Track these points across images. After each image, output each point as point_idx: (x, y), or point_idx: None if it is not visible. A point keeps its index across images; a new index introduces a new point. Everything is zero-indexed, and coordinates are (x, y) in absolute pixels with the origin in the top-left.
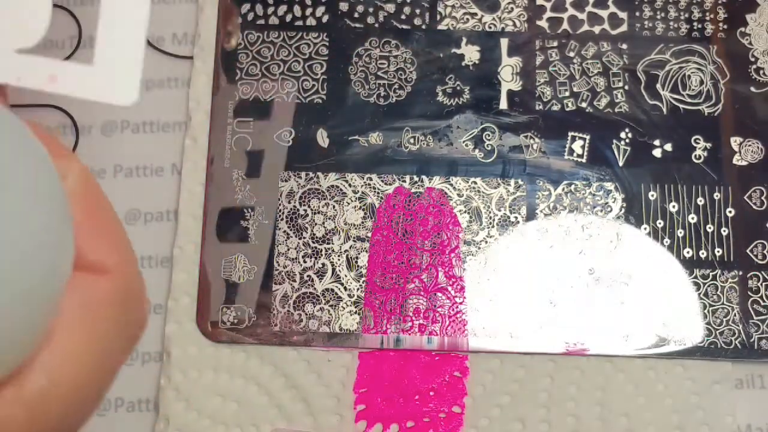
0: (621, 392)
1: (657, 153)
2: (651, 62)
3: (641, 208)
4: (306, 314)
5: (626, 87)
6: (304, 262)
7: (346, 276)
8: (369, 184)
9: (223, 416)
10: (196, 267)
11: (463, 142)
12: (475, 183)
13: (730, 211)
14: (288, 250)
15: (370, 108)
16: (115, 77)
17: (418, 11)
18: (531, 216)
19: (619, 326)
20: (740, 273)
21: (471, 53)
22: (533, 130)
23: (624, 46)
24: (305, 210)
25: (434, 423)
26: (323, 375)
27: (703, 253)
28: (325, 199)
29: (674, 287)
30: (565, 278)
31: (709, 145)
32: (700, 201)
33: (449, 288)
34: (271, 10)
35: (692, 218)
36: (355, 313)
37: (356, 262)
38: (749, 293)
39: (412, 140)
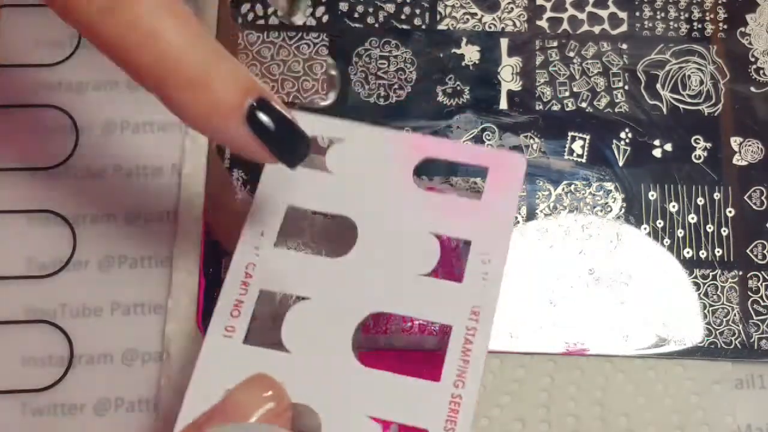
0: (621, 392)
1: (657, 153)
2: (651, 62)
3: (641, 208)
4: None
5: (626, 87)
6: None
7: None
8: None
9: None
10: (196, 267)
11: (463, 142)
12: (476, 183)
13: (730, 211)
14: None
15: (370, 108)
16: None
17: (418, 11)
18: (531, 216)
19: (619, 326)
20: (740, 273)
21: (471, 53)
22: (533, 130)
23: (624, 46)
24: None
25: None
26: None
27: (703, 253)
28: None
29: (674, 287)
30: (565, 278)
31: (709, 145)
32: (700, 201)
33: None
34: (271, 10)
35: (692, 218)
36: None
37: None
38: (749, 293)
39: None
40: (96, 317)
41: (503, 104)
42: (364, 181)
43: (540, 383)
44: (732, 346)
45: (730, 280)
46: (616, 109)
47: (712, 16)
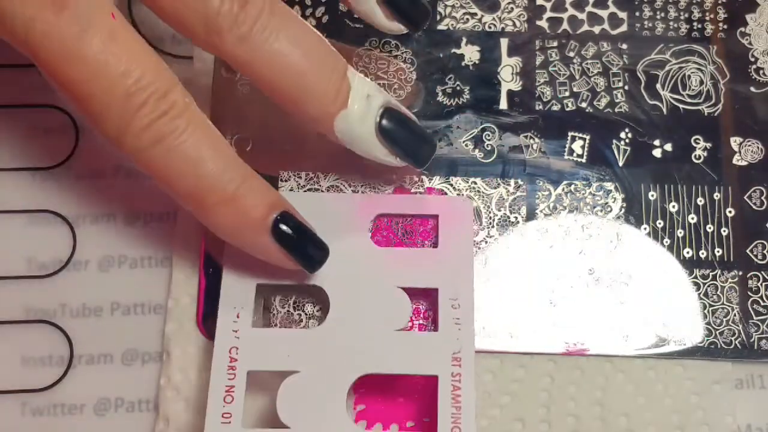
0: (621, 392)
1: (657, 153)
2: (651, 62)
3: (641, 208)
4: (306, 314)
5: (626, 87)
6: None
7: None
8: (369, 184)
9: None
10: (196, 267)
11: (463, 142)
12: (475, 183)
13: (730, 211)
14: None
15: None
16: None
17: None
18: (531, 216)
19: (619, 326)
20: (740, 273)
21: (471, 53)
22: (533, 130)
23: (624, 46)
24: None
25: (434, 423)
26: None
27: (703, 253)
28: None
29: (674, 287)
30: (565, 278)
31: (709, 145)
32: (700, 201)
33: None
34: None
35: (692, 218)
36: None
37: None
38: (749, 293)
39: None
40: (96, 317)
41: (503, 104)
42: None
43: (540, 383)
44: (732, 346)
45: (730, 280)
46: (616, 109)
47: (712, 16)
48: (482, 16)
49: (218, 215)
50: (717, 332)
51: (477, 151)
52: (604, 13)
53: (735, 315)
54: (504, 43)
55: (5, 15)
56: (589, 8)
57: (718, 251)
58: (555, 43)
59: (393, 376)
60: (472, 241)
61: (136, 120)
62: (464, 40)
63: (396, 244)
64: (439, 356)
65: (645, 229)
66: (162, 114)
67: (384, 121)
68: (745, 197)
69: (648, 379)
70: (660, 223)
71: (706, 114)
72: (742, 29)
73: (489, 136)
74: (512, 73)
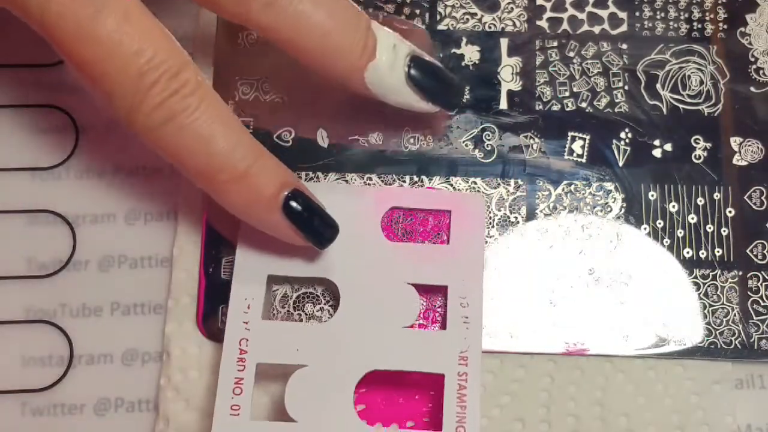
0: (621, 392)
1: (657, 153)
2: (651, 62)
3: (641, 208)
4: (306, 314)
5: (626, 87)
6: None
7: None
8: (369, 184)
9: None
10: (196, 267)
11: (463, 142)
12: (475, 183)
13: (730, 211)
14: None
15: (370, 108)
16: None
17: (418, 11)
18: (531, 216)
19: (619, 326)
20: (740, 273)
21: (471, 53)
22: (533, 130)
23: (624, 46)
24: None
25: (434, 423)
26: None
27: (703, 253)
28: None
29: (674, 287)
30: (565, 278)
31: (709, 145)
32: (700, 201)
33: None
34: None
35: (692, 218)
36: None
37: None
38: (749, 293)
39: (412, 140)
40: (96, 317)
41: (503, 104)
42: (337, 240)
43: (540, 383)
44: (732, 346)
45: (730, 280)
46: (616, 109)
47: (712, 16)
48: (482, 16)
49: (230, 193)
50: (717, 332)
51: (477, 151)
52: (604, 13)
53: (735, 315)
54: (504, 43)
55: None
56: (589, 8)
57: (718, 251)
58: (555, 43)
59: (393, 376)
60: (483, 238)
61: (148, 99)
62: (464, 40)
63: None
64: (447, 355)
65: (645, 229)
66: (174, 92)
67: (412, 70)
68: (745, 197)
69: (648, 379)
70: (660, 223)
71: (706, 114)
72: (742, 29)
73: (489, 136)
74: (512, 73)
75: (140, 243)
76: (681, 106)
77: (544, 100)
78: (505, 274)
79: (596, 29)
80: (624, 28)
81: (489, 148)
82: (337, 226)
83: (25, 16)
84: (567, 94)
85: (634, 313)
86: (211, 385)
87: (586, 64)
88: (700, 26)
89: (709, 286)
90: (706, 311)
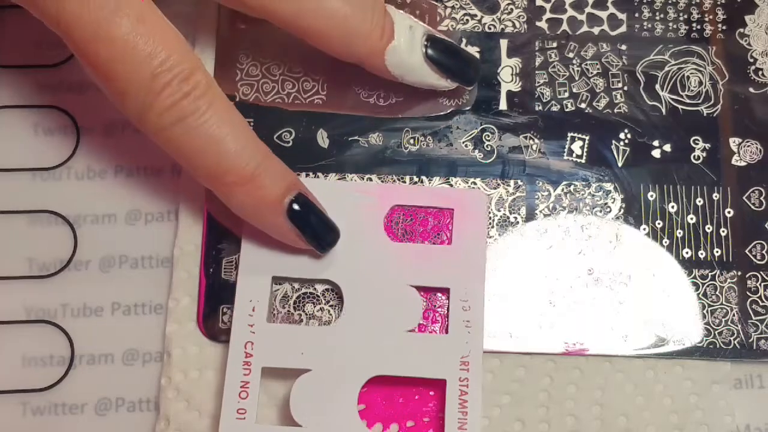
0: (620, 392)
1: (656, 153)
2: (650, 63)
3: (640, 209)
4: (306, 314)
5: (625, 88)
6: None
7: None
8: None
9: None
10: (197, 267)
11: (463, 142)
12: (475, 183)
13: (729, 212)
14: None
15: (371, 108)
16: None
17: (418, 12)
18: (530, 216)
19: (618, 326)
20: (739, 273)
21: None
22: (533, 130)
23: (623, 47)
24: None
25: (434, 423)
26: None
27: (702, 254)
28: None
29: (673, 287)
30: (565, 278)
31: (708, 145)
32: (699, 201)
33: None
34: None
35: (691, 219)
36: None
37: None
38: (748, 293)
39: (412, 141)
40: (97, 317)
41: (503, 105)
42: (341, 240)
43: (540, 383)
44: (731, 346)
45: (728, 280)
46: (616, 110)
47: (710, 17)
48: (482, 17)
49: (236, 194)
50: (716, 332)
51: (477, 151)
52: (603, 14)
53: (734, 315)
54: (504, 44)
55: None
56: (588, 9)
57: (717, 251)
58: (554, 44)
59: (394, 376)
60: (485, 239)
61: (159, 100)
62: (464, 41)
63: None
64: (448, 360)
65: (644, 229)
66: (185, 95)
67: (430, 49)
68: (743, 198)
69: (647, 379)
70: (659, 224)
71: (705, 114)
72: (741, 30)
73: (489, 136)
74: (512, 74)
75: (141, 243)
76: (680, 106)
77: (544, 100)
78: (505, 274)
79: (595, 30)
80: (623, 29)
81: (489, 148)
82: (338, 231)
83: (42, 16)
84: (566, 94)
85: (634, 313)
86: (211, 384)
87: (586, 64)
88: (699, 27)
89: (708, 286)
90: (705, 311)
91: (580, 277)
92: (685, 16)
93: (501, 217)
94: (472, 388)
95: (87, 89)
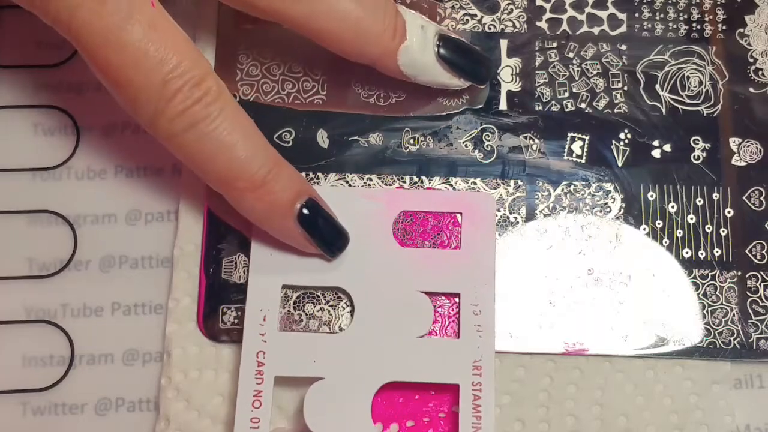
0: (620, 392)
1: (656, 153)
2: (650, 63)
3: (640, 209)
4: (306, 314)
5: (625, 88)
6: None
7: None
8: (369, 185)
9: (224, 416)
10: (197, 267)
11: (463, 142)
12: (475, 183)
13: (729, 212)
14: None
15: (371, 108)
16: None
17: (417, 12)
18: (530, 216)
19: (618, 326)
20: (739, 273)
21: None
22: (533, 130)
23: (623, 47)
24: None
25: (434, 423)
26: None
27: (702, 254)
28: None
29: (673, 287)
30: (565, 278)
31: (708, 145)
32: (699, 201)
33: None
34: None
35: (691, 218)
36: (353, 316)
37: None
38: (748, 293)
39: (412, 141)
40: (97, 317)
41: (503, 105)
42: (350, 247)
43: (540, 383)
44: (731, 346)
45: (728, 280)
46: (616, 110)
47: (711, 17)
48: (482, 17)
49: (247, 200)
50: (716, 332)
51: (477, 151)
52: (603, 14)
53: (734, 315)
54: (504, 44)
55: (50, 1)
56: (588, 9)
57: (717, 251)
58: (554, 44)
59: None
60: (494, 242)
61: (170, 106)
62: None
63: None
64: (461, 364)
65: (644, 229)
66: (196, 101)
67: (442, 49)
68: (743, 198)
69: (647, 379)
70: (659, 224)
71: (705, 114)
72: (741, 30)
73: (489, 136)
74: (512, 74)
75: (141, 243)
76: (680, 106)
77: (544, 100)
78: (505, 274)
79: (595, 30)
80: (623, 29)
81: (489, 148)
82: (347, 236)
83: (54, 22)
84: (566, 94)
85: (634, 313)
86: (211, 384)
87: (586, 64)
88: (699, 27)
89: (708, 286)
90: (705, 311)
91: (580, 277)
92: (685, 16)
93: (501, 217)
94: (485, 392)
95: (87, 89)
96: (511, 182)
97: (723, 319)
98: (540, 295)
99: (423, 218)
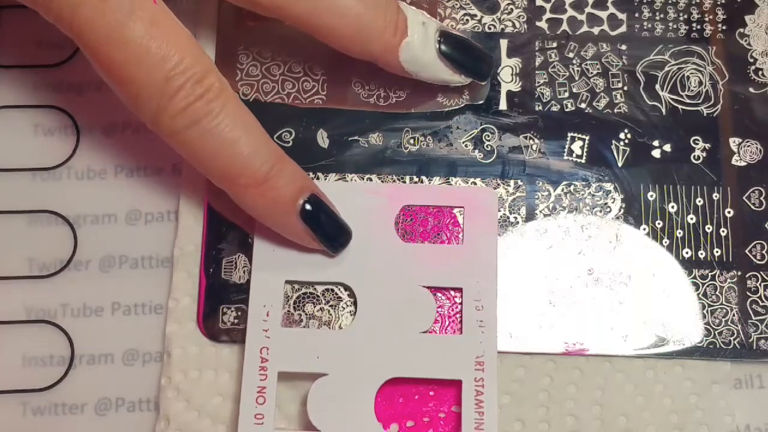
0: (620, 392)
1: (656, 153)
2: (650, 63)
3: (640, 209)
4: (306, 314)
5: (625, 88)
6: None
7: None
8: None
9: (224, 416)
10: (197, 267)
11: (463, 142)
12: (475, 183)
13: (728, 212)
14: None
15: (371, 108)
16: None
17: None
18: (530, 216)
19: (618, 326)
20: (739, 273)
21: None
22: (533, 130)
23: (623, 47)
24: None
25: (434, 423)
26: None
27: (702, 254)
28: None
29: (673, 287)
30: (565, 278)
31: (708, 145)
32: (699, 201)
33: (449, 288)
34: None
35: (691, 219)
36: (355, 313)
37: None
38: (748, 293)
39: (412, 141)
40: (97, 317)
41: (503, 105)
42: (353, 242)
43: (540, 383)
44: (731, 346)
45: (728, 280)
46: (616, 110)
47: (711, 17)
48: (482, 17)
49: (250, 196)
50: (716, 332)
51: (477, 151)
52: (603, 14)
53: (734, 315)
54: (504, 44)
55: None
56: (588, 9)
57: (717, 251)
58: (554, 44)
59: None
60: (496, 237)
61: (173, 103)
62: None
63: None
64: (463, 360)
65: (644, 229)
66: (198, 97)
67: (443, 45)
68: (743, 198)
69: (647, 379)
70: (659, 224)
71: (705, 114)
72: (741, 30)
73: (489, 136)
74: (512, 74)
75: (141, 243)
76: (680, 106)
77: (544, 100)
78: (505, 274)
79: (595, 30)
80: (623, 29)
81: (489, 148)
82: (350, 232)
83: (56, 20)
84: (566, 94)
85: (633, 313)
86: (211, 384)
87: (586, 64)
88: (699, 27)
89: (708, 286)
90: (705, 311)
91: (580, 277)
92: (685, 16)
93: (501, 217)
94: (487, 388)
95: (87, 89)
96: (511, 182)
97: (723, 319)
98: (540, 295)
99: (423, 218)
